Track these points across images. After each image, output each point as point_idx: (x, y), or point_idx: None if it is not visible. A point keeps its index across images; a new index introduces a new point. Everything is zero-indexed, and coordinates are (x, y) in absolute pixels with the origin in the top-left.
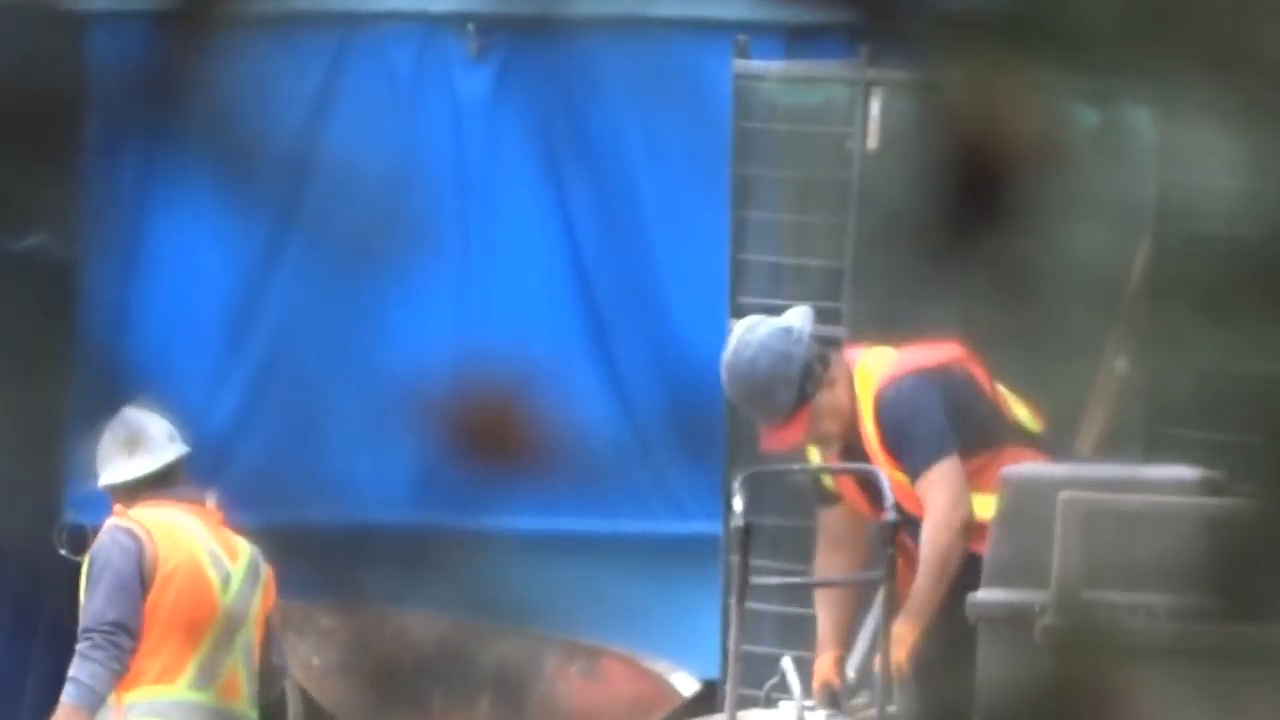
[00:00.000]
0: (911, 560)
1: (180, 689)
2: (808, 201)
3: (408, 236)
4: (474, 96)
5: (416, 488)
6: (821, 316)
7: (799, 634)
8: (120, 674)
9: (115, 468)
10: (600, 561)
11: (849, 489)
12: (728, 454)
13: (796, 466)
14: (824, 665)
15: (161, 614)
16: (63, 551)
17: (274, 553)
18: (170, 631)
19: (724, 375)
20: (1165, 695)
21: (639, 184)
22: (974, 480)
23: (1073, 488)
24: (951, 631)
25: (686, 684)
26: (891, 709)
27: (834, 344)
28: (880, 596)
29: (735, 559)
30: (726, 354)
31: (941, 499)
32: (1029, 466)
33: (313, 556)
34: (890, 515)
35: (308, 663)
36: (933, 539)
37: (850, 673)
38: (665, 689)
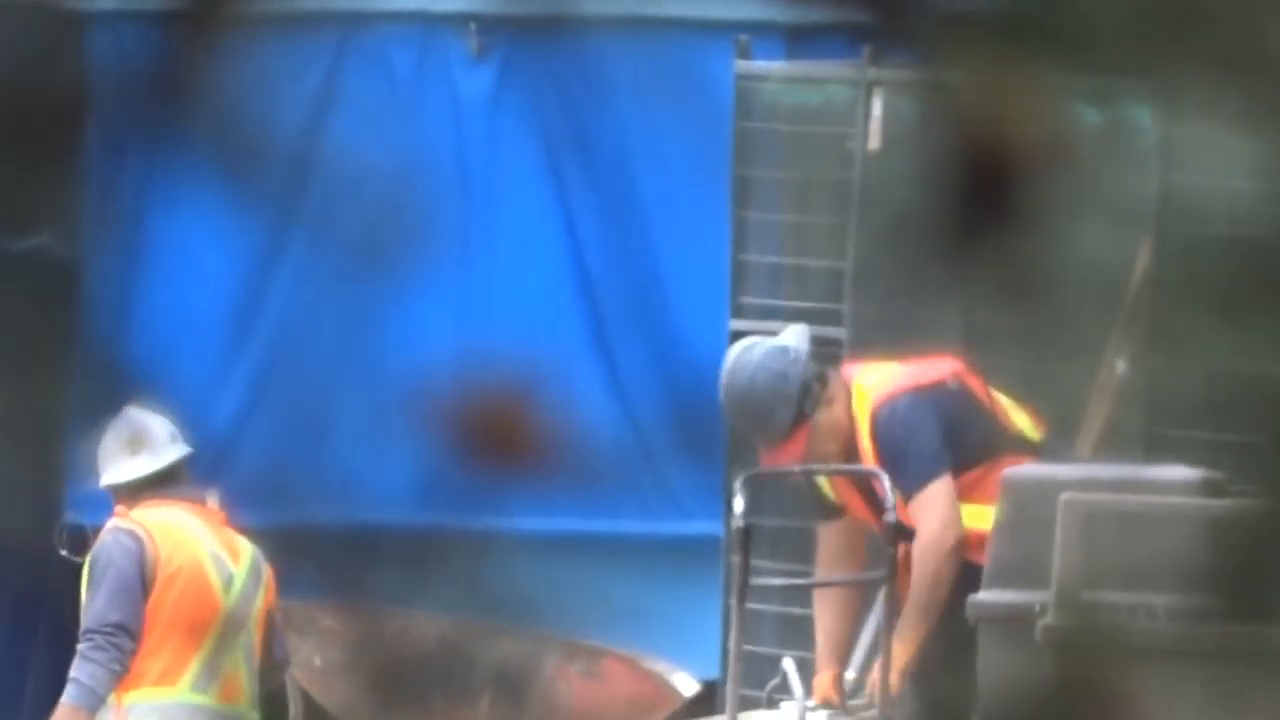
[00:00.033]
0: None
1: (181, 690)
2: (809, 202)
3: (409, 236)
4: (475, 96)
5: (418, 488)
6: (822, 318)
7: (799, 634)
8: (121, 675)
9: (117, 467)
10: (601, 562)
11: (852, 499)
12: (728, 455)
13: (797, 468)
14: (823, 683)
15: (163, 615)
16: (63, 552)
17: (277, 553)
18: (171, 633)
19: (721, 396)
20: (1166, 696)
21: (640, 184)
22: (973, 491)
23: (1073, 488)
24: (951, 638)
25: (687, 684)
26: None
27: (832, 359)
28: (881, 597)
29: (736, 559)
30: (723, 375)
31: (933, 522)
32: (1030, 468)
33: (315, 556)
34: (891, 515)
35: (309, 663)
36: (922, 563)
37: (850, 674)
38: (666, 689)
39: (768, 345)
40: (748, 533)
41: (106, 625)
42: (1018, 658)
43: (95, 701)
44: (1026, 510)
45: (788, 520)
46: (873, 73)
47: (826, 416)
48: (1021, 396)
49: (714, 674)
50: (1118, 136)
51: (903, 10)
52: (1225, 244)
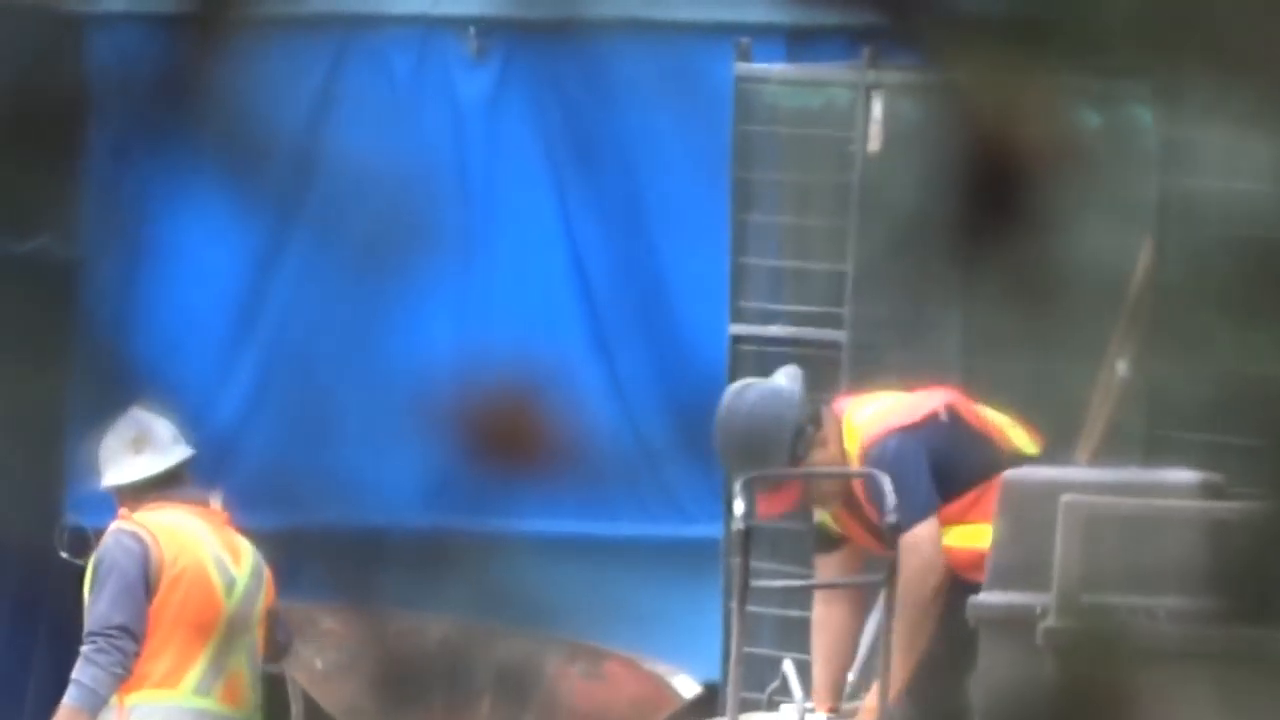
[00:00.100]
0: None
1: (184, 693)
2: (809, 205)
3: (410, 239)
4: (474, 99)
5: (420, 490)
6: (823, 321)
7: (800, 636)
8: (123, 678)
9: (121, 468)
10: (602, 563)
11: (854, 530)
12: None
13: (797, 471)
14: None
15: (166, 618)
16: (64, 554)
17: (278, 554)
18: (174, 635)
19: (717, 442)
20: (1167, 698)
21: (640, 187)
22: (970, 511)
23: (1074, 491)
24: (950, 653)
25: (688, 687)
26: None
27: (824, 402)
28: (881, 599)
29: (736, 561)
30: (718, 420)
31: (914, 569)
32: (1030, 470)
33: (318, 558)
34: (891, 517)
35: (310, 665)
36: (902, 609)
37: (850, 676)
38: (667, 691)
39: (761, 388)
40: (748, 535)
41: (110, 628)
42: (1019, 660)
43: (97, 704)
44: (1027, 513)
45: (788, 522)
46: (873, 75)
47: (822, 457)
48: (1022, 399)
49: (715, 676)
50: (1119, 138)
51: (909, 12)
52: (1227, 246)
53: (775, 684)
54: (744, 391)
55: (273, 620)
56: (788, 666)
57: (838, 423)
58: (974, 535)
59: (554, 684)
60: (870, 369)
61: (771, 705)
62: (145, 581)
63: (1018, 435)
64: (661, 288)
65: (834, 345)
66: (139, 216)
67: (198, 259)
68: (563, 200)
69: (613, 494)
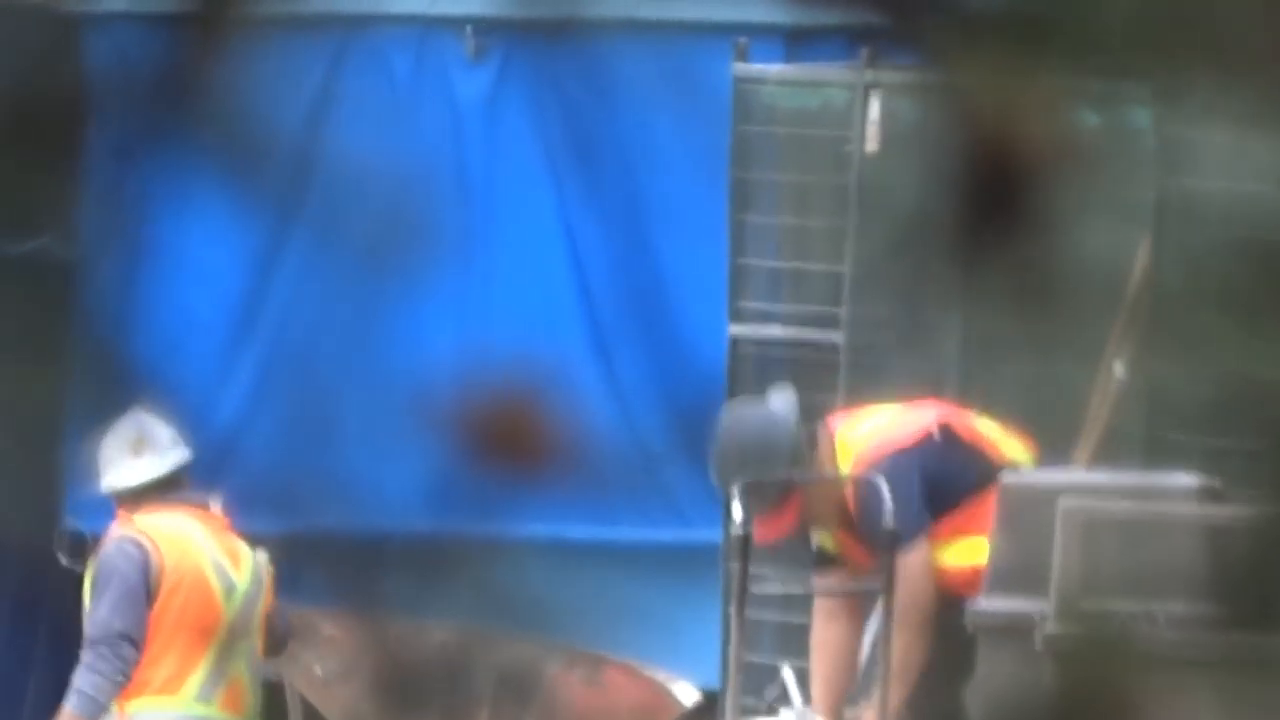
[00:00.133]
0: None
1: (184, 699)
2: (807, 205)
3: (409, 239)
4: (473, 99)
5: (419, 494)
6: (821, 321)
7: (799, 643)
8: (123, 685)
9: (120, 471)
10: (601, 568)
11: (852, 549)
12: None
13: (797, 475)
14: None
15: (166, 623)
16: (62, 559)
17: (280, 559)
18: (175, 641)
19: (712, 466)
20: (1168, 704)
21: (639, 187)
22: (966, 526)
23: (1072, 495)
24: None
25: (688, 694)
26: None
27: (819, 422)
28: (880, 604)
29: (735, 567)
30: (713, 444)
31: (903, 594)
32: (1028, 475)
33: (319, 562)
34: (889, 520)
35: (309, 671)
36: (895, 633)
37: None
38: (667, 698)
39: (756, 412)
40: (747, 540)
41: (111, 635)
42: (1018, 666)
43: (97, 711)
44: (1025, 517)
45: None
46: (871, 75)
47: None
48: (1020, 400)
49: (714, 682)
50: (1118, 139)
51: (909, 12)
52: (1225, 247)
53: (776, 693)
54: (739, 417)
55: (272, 618)
56: (787, 673)
57: (831, 442)
58: (969, 551)
59: (554, 690)
60: (868, 370)
61: (771, 712)
62: (146, 588)
63: (1010, 446)
64: (660, 288)
65: (832, 347)
66: (139, 216)
67: (198, 259)
68: (561, 200)
69: (612, 498)
